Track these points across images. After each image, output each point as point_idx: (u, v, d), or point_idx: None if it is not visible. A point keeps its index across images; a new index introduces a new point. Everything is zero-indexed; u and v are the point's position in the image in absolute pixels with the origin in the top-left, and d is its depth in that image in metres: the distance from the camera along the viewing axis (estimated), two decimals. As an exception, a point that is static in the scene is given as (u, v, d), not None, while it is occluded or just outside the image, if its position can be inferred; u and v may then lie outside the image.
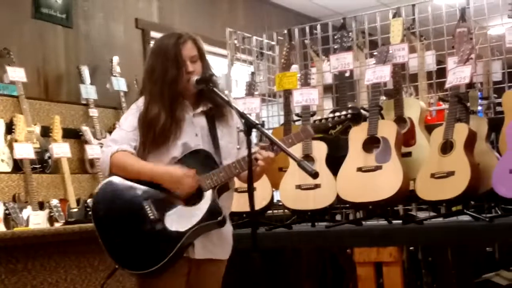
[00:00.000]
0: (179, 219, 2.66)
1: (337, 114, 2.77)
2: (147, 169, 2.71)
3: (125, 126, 2.80)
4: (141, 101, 2.83)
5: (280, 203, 4.34)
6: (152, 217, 2.67)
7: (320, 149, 4.11)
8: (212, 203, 2.69)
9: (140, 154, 2.77)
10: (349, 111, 2.78)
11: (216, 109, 2.84)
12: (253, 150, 2.65)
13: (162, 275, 2.65)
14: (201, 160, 2.74)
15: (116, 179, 2.74)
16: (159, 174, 2.70)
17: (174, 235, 2.65)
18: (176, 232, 2.65)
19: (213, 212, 2.69)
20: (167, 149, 2.75)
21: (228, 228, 2.86)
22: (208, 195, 2.70)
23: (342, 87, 4.43)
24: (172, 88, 2.75)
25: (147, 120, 2.74)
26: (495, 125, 3.82)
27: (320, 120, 2.80)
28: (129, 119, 2.81)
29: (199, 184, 2.70)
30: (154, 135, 2.72)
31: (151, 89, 2.78)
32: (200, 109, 2.84)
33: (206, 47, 2.91)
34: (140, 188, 2.72)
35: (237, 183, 2.94)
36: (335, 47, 4.44)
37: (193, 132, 2.79)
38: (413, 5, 4.40)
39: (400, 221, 3.85)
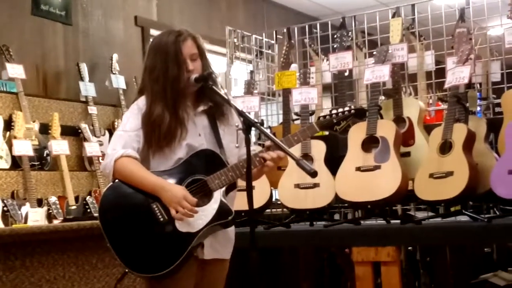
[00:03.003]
0: (189, 220, 2.61)
1: (340, 110, 2.76)
2: (150, 181, 2.65)
3: (127, 127, 2.74)
4: (141, 101, 2.77)
5: (279, 202, 4.34)
6: (161, 219, 2.62)
7: (319, 149, 4.11)
8: (222, 203, 2.66)
9: (144, 155, 2.72)
10: (352, 106, 2.78)
11: (216, 108, 2.79)
12: (253, 148, 2.62)
13: (172, 277, 2.61)
14: (208, 160, 2.70)
15: (121, 183, 2.69)
16: (160, 188, 2.63)
17: (184, 237, 2.61)
18: (186, 234, 2.61)
19: (223, 212, 2.66)
20: (172, 150, 2.70)
21: (232, 228, 2.83)
22: (217, 195, 2.66)
23: (341, 86, 4.43)
24: (174, 86, 2.69)
25: (151, 120, 2.69)
26: (494, 125, 3.82)
27: (325, 116, 2.79)
28: (131, 120, 2.75)
29: (189, 217, 2.60)
30: (160, 135, 2.67)
31: (153, 88, 2.72)
32: (201, 108, 2.78)
33: (205, 45, 2.85)
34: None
35: (239, 181, 2.87)
36: (335, 46, 4.45)
37: (196, 132, 2.74)
38: (413, 5, 4.40)
39: (399, 221, 3.86)
